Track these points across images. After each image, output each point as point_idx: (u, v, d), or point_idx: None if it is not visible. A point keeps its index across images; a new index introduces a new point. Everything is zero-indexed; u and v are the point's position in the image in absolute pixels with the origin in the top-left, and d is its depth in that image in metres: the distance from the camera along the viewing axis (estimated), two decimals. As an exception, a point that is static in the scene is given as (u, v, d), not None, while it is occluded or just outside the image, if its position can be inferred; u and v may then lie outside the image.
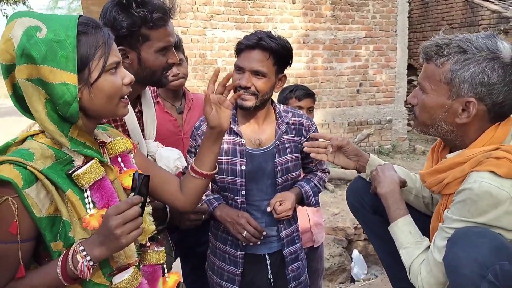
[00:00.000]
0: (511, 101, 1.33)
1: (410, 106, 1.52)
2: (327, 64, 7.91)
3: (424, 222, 1.65)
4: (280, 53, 1.74)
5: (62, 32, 1.06)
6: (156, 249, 1.29)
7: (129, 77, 1.17)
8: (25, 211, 1.01)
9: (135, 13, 1.43)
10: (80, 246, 1.06)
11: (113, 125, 1.53)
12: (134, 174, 1.20)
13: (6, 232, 1.00)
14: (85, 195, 1.10)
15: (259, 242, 1.78)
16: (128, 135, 1.57)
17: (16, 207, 0.99)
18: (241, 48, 1.74)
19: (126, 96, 1.19)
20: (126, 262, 1.17)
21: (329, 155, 1.80)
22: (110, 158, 1.26)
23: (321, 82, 7.75)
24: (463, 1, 10.22)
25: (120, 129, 1.57)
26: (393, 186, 1.63)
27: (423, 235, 1.58)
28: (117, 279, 1.15)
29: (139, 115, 1.67)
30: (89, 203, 1.10)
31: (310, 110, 2.57)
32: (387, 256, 1.83)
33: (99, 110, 1.14)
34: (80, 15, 1.14)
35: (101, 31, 1.13)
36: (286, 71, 1.85)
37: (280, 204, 1.76)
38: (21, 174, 1.01)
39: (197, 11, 6.87)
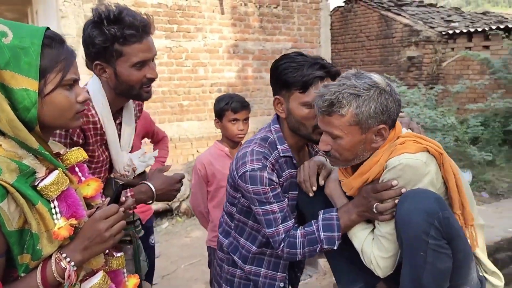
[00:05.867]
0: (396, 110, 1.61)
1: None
2: (257, 74, 8.11)
3: None
4: None
5: (27, 39, 1.07)
6: (115, 254, 1.30)
7: (83, 95, 1.19)
8: None
9: (106, 30, 1.50)
10: (62, 254, 1.08)
11: (92, 132, 1.58)
12: (110, 179, 1.22)
13: None
14: (52, 205, 1.09)
15: None
16: (106, 144, 1.64)
17: None
18: (310, 82, 1.70)
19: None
20: (94, 267, 1.19)
21: None
22: (66, 169, 1.25)
23: (252, 91, 7.91)
24: (379, 15, 11.02)
25: (99, 137, 1.61)
26: (333, 184, 1.80)
27: None
28: (87, 284, 1.15)
29: (119, 126, 1.70)
30: (56, 213, 1.10)
31: (245, 120, 2.63)
32: (338, 263, 1.94)
33: (50, 121, 1.14)
34: (47, 28, 1.14)
35: (64, 47, 1.14)
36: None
37: None
38: None
39: (125, 19, 6.73)
